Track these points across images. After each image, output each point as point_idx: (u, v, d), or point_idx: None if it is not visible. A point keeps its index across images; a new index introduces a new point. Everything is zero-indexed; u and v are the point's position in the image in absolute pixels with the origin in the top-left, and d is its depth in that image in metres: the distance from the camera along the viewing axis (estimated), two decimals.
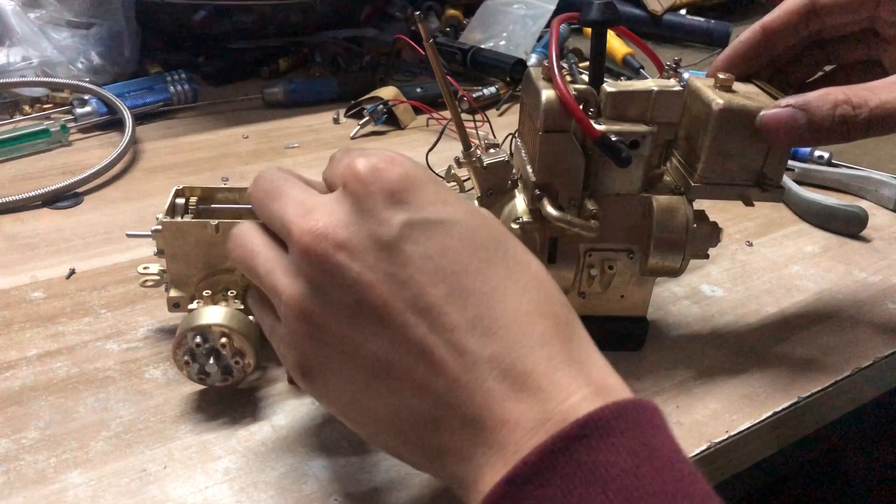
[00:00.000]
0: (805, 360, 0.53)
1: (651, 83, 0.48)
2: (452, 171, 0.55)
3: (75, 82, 0.81)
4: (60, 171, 0.73)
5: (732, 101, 0.48)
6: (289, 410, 0.47)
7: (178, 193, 0.51)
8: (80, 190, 0.69)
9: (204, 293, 0.47)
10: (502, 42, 1.05)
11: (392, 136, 0.85)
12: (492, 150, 0.52)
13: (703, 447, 0.46)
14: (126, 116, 0.77)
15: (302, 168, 0.76)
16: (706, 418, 0.48)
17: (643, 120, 0.47)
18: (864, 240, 0.68)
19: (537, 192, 0.48)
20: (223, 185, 0.52)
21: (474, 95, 0.91)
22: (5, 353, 0.50)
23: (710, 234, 0.52)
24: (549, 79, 0.47)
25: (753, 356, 0.54)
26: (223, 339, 0.44)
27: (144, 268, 0.51)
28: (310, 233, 0.34)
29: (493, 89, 0.93)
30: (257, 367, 0.46)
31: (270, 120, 0.87)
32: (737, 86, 0.50)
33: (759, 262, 0.65)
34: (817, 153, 0.79)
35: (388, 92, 0.87)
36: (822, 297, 0.61)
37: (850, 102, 0.44)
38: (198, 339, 0.44)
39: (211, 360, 0.44)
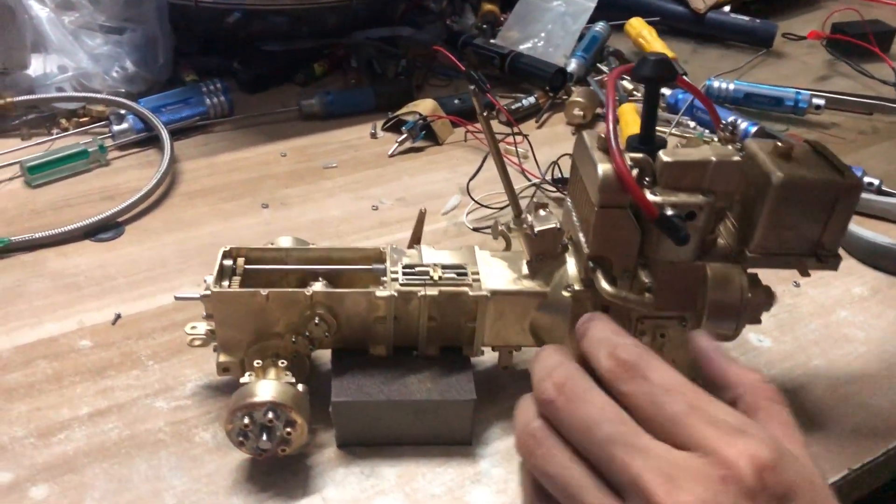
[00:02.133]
0: (854, 425, 0.53)
1: (709, 152, 0.46)
2: (500, 228, 0.54)
3: (112, 97, 0.80)
4: (99, 195, 0.73)
5: (793, 173, 0.46)
6: (339, 481, 0.47)
7: (225, 255, 0.50)
8: (120, 219, 0.69)
9: (255, 363, 0.47)
10: (540, 43, 1.02)
11: (430, 153, 0.83)
12: (541, 213, 0.51)
13: None
14: (164, 137, 0.77)
15: (341, 191, 0.76)
16: None
17: (700, 189, 0.46)
18: None
19: (591, 264, 0.47)
20: (270, 246, 0.52)
21: (512, 107, 0.90)
22: (58, 412, 0.50)
23: (764, 300, 0.51)
24: (605, 149, 0.46)
25: (801, 419, 0.53)
26: (274, 416, 0.44)
27: (192, 327, 0.51)
28: None
29: (531, 99, 0.91)
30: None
31: (307, 134, 0.86)
32: (796, 152, 0.48)
33: (807, 306, 0.64)
34: (867, 179, 0.77)
35: (425, 106, 0.86)
36: (871, 349, 0.60)
37: None
38: (246, 420, 0.44)
39: (264, 437, 0.45)
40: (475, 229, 0.70)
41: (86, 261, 0.64)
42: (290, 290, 0.48)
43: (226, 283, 0.49)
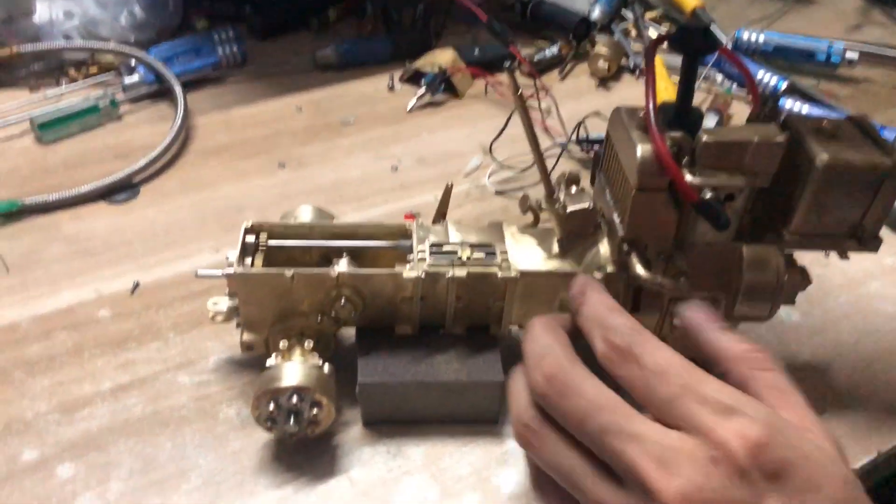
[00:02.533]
0: (884, 405, 0.52)
1: (751, 131, 0.44)
2: (529, 203, 0.52)
3: (121, 48, 0.77)
4: (112, 152, 0.71)
5: (837, 156, 0.44)
6: (365, 461, 0.47)
7: (248, 231, 0.49)
8: (135, 180, 0.67)
9: (280, 344, 0.46)
10: None
11: (450, 108, 0.81)
12: (573, 190, 0.49)
13: None
14: (177, 91, 0.74)
15: (359, 150, 0.74)
16: None
17: (740, 169, 0.45)
18: None
19: (625, 246, 0.46)
20: (293, 222, 0.50)
21: (535, 58, 0.87)
22: (80, 387, 0.50)
23: (799, 281, 0.50)
24: (644, 128, 0.44)
25: (830, 398, 0.53)
26: (299, 399, 0.44)
27: (214, 303, 0.50)
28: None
29: (554, 50, 0.88)
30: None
31: (323, 85, 0.83)
32: (840, 130, 0.46)
33: (836, 278, 0.62)
34: None
35: (445, 57, 0.83)
36: None
37: None
38: (271, 407, 0.43)
39: (291, 421, 0.44)
40: (498, 192, 0.69)
41: (101, 224, 0.63)
42: (315, 270, 0.46)
43: (248, 260, 0.48)
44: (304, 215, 0.54)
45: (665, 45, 0.49)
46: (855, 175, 0.45)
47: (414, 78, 0.84)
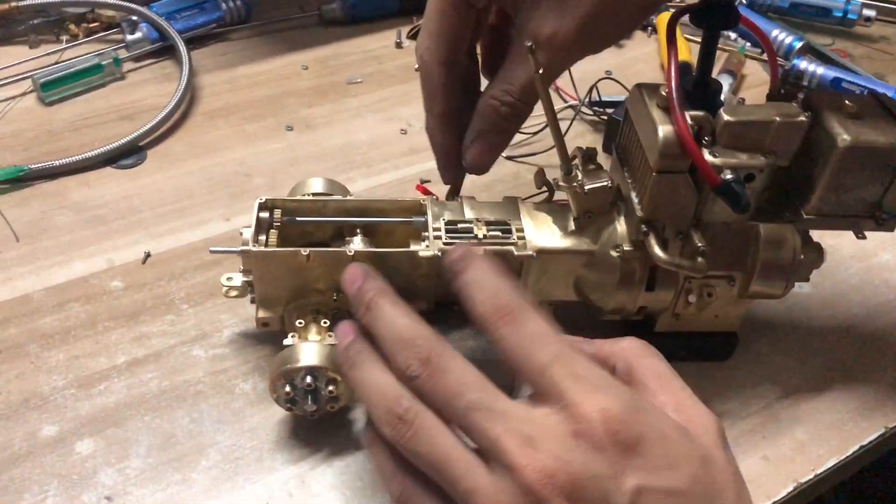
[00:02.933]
0: (892, 381, 0.53)
1: (773, 112, 0.44)
2: (544, 179, 0.51)
3: (123, 3, 0.75)
4: (117, 113, 0.70)
5: (860, 136, 0.44)
6: None
7: (262, 207, 0.48)
8: (142, 143, 0.66)
9: (297, 323, 0.46)
10: None
11: None
12: (591, 167, 0.49)
13: (790, 488, 0.47)
14: (181, 50, 0.73)
15: (367, 111, 0.73)
16: (792, 452, 0.48)
17: (760, 149, 0.44)
18: None
19: (643, 227, 0.46)
20: (305, 197, 0.50)
21: None
22: (96, 361, 0.50)
23: (815, 259, 0.49)
24: (666, 107, 0.44)
25: (839, 372, 0.53)
26: (313, 379, 0.44)
27: (228, 278, 0.50)
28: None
29: None
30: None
31: (328, 42, 0.81)
32: (866, 110, 0.45)
33: (847, 248, 0.62)
34: None
35: None
36: None
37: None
38: (287, 388, 0.43)
39: (309, 400, 0.44)
40: (508, 157, 0.68)
41: (109, 191, 0.62)
42: (331, 249, 0.46)
43: (263, 237, 0.47)
44: (316, 187, 0.53)
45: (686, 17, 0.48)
46: (877, 156, 0.44)
47: None
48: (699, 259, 0.45)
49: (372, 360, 0.37)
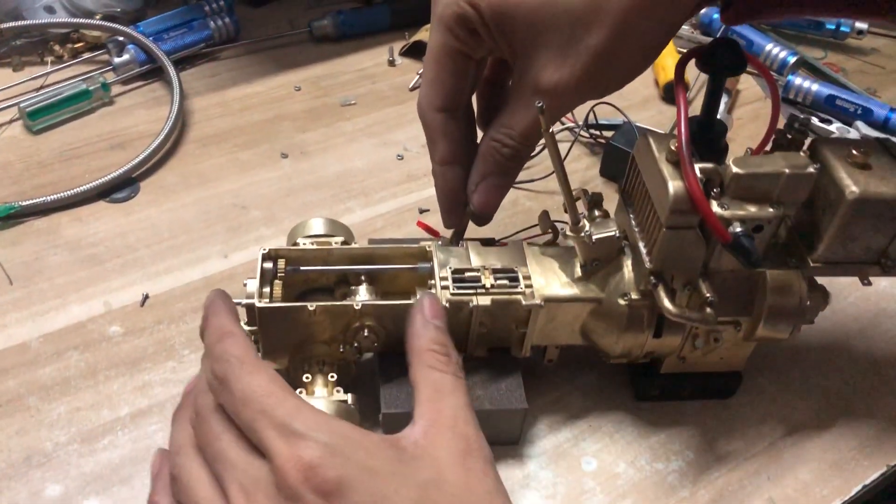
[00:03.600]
0: (892, 415, 0.53)
1: (782, 163, 0.44)
2: (550, 222, 0.51)
3: (109, 24, 0.74)
4: (108, 142, 0.69)
5: (868, 188, 0.44)
6: None
7: (265, 257, 0.48)
8: (135, 173, 0.65)
9: (303, 378, 0.46)
10: None
11: None
12: (598, 215, 0.48)
13: None
14: (171, 74, 0.71)
15: (362, 136, 0.72)
16: (797, 493, 0.49)
17: (768, 199, 0.44)
18: None
19: (652, 279, 0.45)
20: (309, 247, 0.49)
21: None
22: (98, 413, 0.49)
23: (820, 302, 0.50)
24: (675, 161, 0.43)
25: (840, 407, 0.54)
26: None
27: None
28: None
29: None
30: None
31: (320, 61, 0.80)
32: (874, 159, 0.45)
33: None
34: None
35: None
36: None
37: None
38: None
39: None
40: None
41: (103, 227, 0.61)
42: (338, 304, 0.46)
43: (267, 289, 0.47)
44: (316, 228, 0.53)
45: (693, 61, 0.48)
46: (884, 207, 0.44)
47: (414, 50, 0.81)
48: (708, 310, 0.45)
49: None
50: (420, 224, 0.59)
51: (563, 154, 0.69)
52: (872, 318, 0.60)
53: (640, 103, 0.78)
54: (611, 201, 0.48)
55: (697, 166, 0.43)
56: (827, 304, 0.50)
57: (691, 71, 0.46)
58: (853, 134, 0.74)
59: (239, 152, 0.69)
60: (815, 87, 0.77)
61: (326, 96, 0.76)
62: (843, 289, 0.62)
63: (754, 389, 0.54)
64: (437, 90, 0.47)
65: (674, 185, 0.42)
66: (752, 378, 0.54)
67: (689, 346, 0.50)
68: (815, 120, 0.76)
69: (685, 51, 0.47)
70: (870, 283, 0.48)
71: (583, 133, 0.71)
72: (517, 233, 0.61)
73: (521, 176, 0.67)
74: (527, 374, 0.50)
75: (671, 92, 0.78)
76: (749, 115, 0.78)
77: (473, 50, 0.46)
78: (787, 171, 0.43)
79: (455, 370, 0.41)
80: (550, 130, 0.41)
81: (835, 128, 0.75)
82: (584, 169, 0.70)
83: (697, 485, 0.49)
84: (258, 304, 0.45)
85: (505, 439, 0.50)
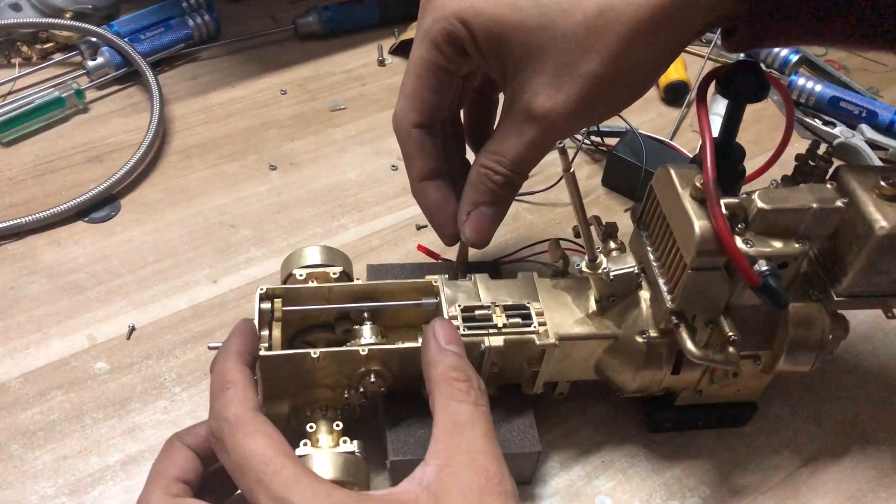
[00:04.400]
0: None
1: (809, 197, 0.42)
2: (561, 253, 0.49)
3: (81, 25, 0.69)
4: (84, 154, 0.65)
5: None
6: None
7: (263, 297, 0.45)
8: (114, 190, 0.61)
9: (307, 427, 0.43)
10: None
11: None
12: (614, 248, 0.46)
13: None
14: (150, 80, 0.67)
15: (353, 144, 0.69)
16: None
17: (794, 234, 0.42)
18: None
19: (674, 319, 0.43)
20: (309, 285, 0.46)
21: None
22: (86, 461, 0.47)
23: (842, 334, 0.48)
24: (701, 199, 0.41)
25: (857, 435, 0.52)
26: None
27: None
28: None
29: None
30: None
31: (306, 60, 0.76)
32: None
33: None
34: None
35: None
36: None
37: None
38: None
39: None
40: None
41: (83, 250, 0.58)
42: (342, 350, 0.43)
43: (266, 332, 0.44)
44: (312, 258, 0.50)
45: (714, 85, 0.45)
46: None
47: (404, 48, 0.77)
48: (731, 349, 0.43)
49: None
50: (420, 248, 0.56)
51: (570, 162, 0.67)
52: (883, 336, 0.58)
53: (640, 106, 0.73)
54: (615, 214, 0.46)
55: (722, 201, 0.41)
56: (847, 334, 0.48)
57: (691, 70, 0.44)
58: (857, 138, 0.72)
59: (225, 164, 0.65)
60: (818, 87, 0.75)
61: (314, 100, 0.72)
62: None
63: (769, 417, 0.53)
64: (414, 105, 0.45)
65: (700, 226, 0.40)
66: (766, 405, 0.53)
67: (707, 380, 0.48)
68: (818, 122, 0.74)
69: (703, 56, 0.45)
70: (894, 316, 0.47)
71: (585, 140, 0.69)
72: (520, 249, 0.58)
73: (524, 186, 0.65)
74: (537, 407, 0.48)
75: (672, 93, 0.75)
76: (751, 116, 0.76)
77: (459, 68, 0.44)
78: (814, 205, 0.41)
79: (476, 398, 0.39)
80: (571, 170, 0.39)
81: (838, 131, 0.73)
82: (585, 178, 0.67)
83: None
84: (260, 353, 0.42)
85: (517, 480, 0.47)
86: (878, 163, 0.70)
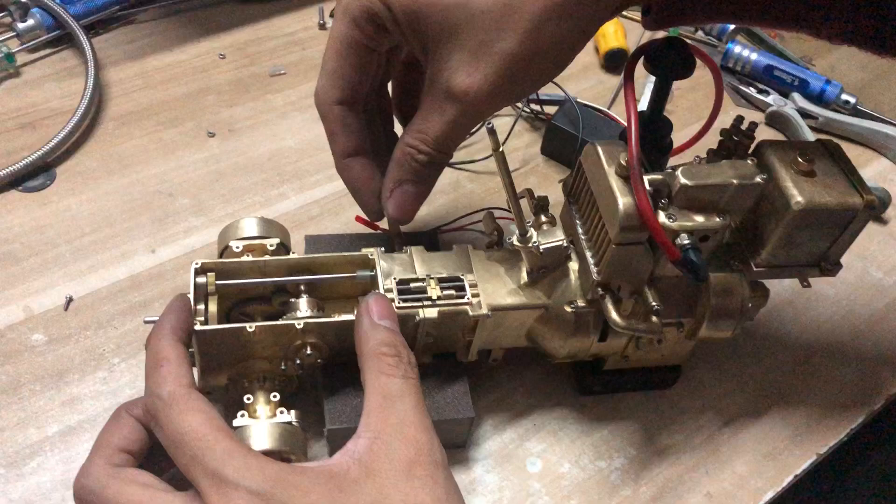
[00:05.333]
0: (821, 403, 0.55)
1: (730, 173, 0.43)
2: (495, 225, 0.50)
3: None
4: (15, 121, 0.63)
5: (813, 198, 0.44)
6: None
7: (198, 272, 0.45)
8: (49, 158, 0.60)
9: (245, 398, 0.44)
10: None
11: None
12: (545, 221, 0.47)
13: None
14: (83, 42, 0.66)
15: (294, 110, 0.69)
16: (733, 488, 0.50)
17: (715, 208, 0.44)
18: (882, 221, 0.68)
19: (600, 290, 0.45)
20: (245, 259, 0.47)
21: None
22: (24, 432, 0.47)
23: (762, 301, 0.50)
24: (625, 176, 0.42)
25: (775, 396, 0.55)
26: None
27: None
28: None
29: None
30: None
31: (246, 24, 0.75)
32: (818, 165, 0.45)
33: None
34: (844, 97, 0.75)
35: None
36: (840, 309, 0.61)
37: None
38: None
39: None
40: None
41: (18, 220, 0.57)
42: (278, 323, 0.44)
43: (202, 306, 0.44)
44: (249, 229, 0.50)
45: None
46: (828, 215, 0.45)
47: None
48: (654, 319, 0.45)
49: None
50: (358, 219, 0.57)
51: (506, 133, 0.68)
52: (805, 302, 0.61)
53: (580, 72, 0.76)
54: (552, 182, 0.47)
55: (646, 178, 0.42)
56: (766, 301, 0.51)
57: (631, 37, 0.45)
58: (789, 106, 0.74)
59: (162, 131, 0.65)
60: (753, 56, 0.77)
61: (253, 65, 0.72)
62: None
63: (693, 380, 0.55)
64: (336, 82, 0.45)
65: (624, 203, 0.41)
66: (691, 369, 0.55)
67: (633, 346, 0.50)
68: (752, 90, 0.76)
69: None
70: (809, 286, 0.49)
71: (524, 109, 0.69)
72: (459, 218, 0.59)
73: (461, 156, 0.66)
74: (471, 373, 0.50)
75: (612, 60, 0.76)
76: (688, 84, 0.77)
77: (379, 45, 0.44)
78: (735, 181, 0.43)
79: (406, 371, 0.40)
80: (500, 150, 0.40)
81: (772, 99, 0.75)
82: (525, 146, 0.68)
83: (639, 482, 0.50)
84: (196, 328, 0.43)
85: (452, 444, 0.49)
86: (808, 131, 0.72)
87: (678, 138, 0.52)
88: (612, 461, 0.50)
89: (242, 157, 0.64)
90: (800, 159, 0.45)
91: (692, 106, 0.74)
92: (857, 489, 0.64)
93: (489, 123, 0.39)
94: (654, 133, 0.49)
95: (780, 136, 0.74)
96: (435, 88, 0.42)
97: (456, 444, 0.49)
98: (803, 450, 0.53)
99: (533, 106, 0.69)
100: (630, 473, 0.50)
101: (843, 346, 0.59)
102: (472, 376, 0.49)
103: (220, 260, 0.46)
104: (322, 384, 0.47)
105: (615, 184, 0.42)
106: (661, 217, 0.43)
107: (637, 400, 0.54)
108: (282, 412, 0.44)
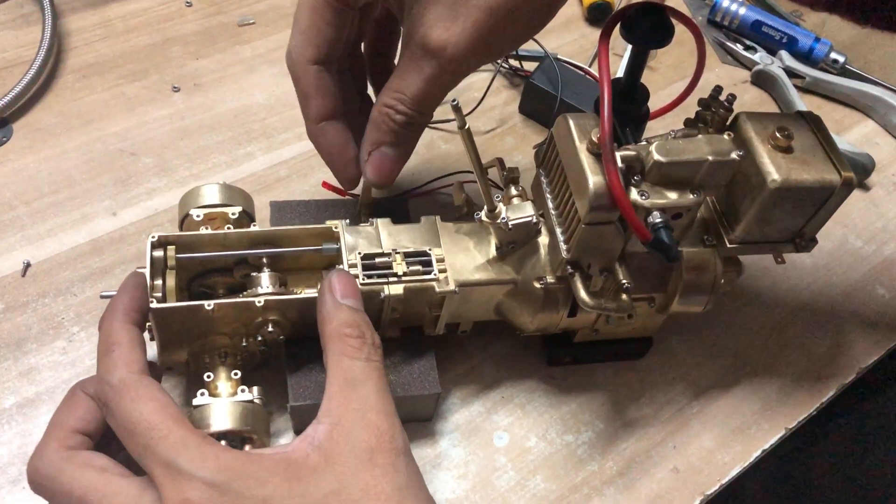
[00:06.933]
0: (793, 376, 0.55)
1: (705, 149, 0.42)
2: (464, 196, 0.48)
3: None
4: None
5: (790, 176, 0.42)
6: None
7: (155, 245, 0.44)
8: (5, 114, 0.58)
9: (205, 376, 0.43)
10: None
11: None
12: (514, 196, 0.46)
13: (698, 502, 0.49)
14: None
15: (262, 63, 0.66)
16: (700, 462, 0.50)
17: (689, 184, 0.42)
18: (865, 188, 0.66)
19: (569, 268, 0.44)
20: (204, 231, 0.45)
21: None
22: None
23: (734, 276, 0.49)
24: (597, 153, 0.41)
25: (745, 370, 0.55)
26: (228, 442, 0.41)
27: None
28: None
29: None
30: None
31: None
32: (796, 140, 0.44)
33: None
34: (833, 55, 0.72)
35: None
36: (816, 279, 0.60)
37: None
38: None
39: None
40: None
41: None
42: (238, 300, 0.42)
43: (159, 281, 0.43)
44: (210, 196, 0.48)
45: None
46: (804, 193, 0.43)
47: None
48: (623, 296, 0.44)
49: None
50: (325, 185, 0.55)
51: (484, 89, 0.66)
52: (782, 272, 0.60)
53: (562, 25, 0.73)
54: (529, 143, 0.44)
55: (618, 155, 0.41)
56: (741, 276, 0.50)
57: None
58: (776, 65, 0.72)
59: (125, 85, 0.62)
60: (742, 10, 0.74)
61: (221, 14, 0.69)
62: None
63: (665, 352, 0.55)
64: (310, 40, 0.43)
65: (595, 183, 0.40)
66: (663, 340, 0.55)
67: (603, 321, 0.49)
68: (739, 47, 0.73)
69: None
70: (783, 262, 0.48)
71: (503, 65, 0.67)
72: (430, 182, 0.58)
73: (437, 115, 0.64)
74: (439, 345, 0.49)
75: (596, 13, 0.74)
76: (674, 57, 0.74)
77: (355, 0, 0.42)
78: (710, 157, 0.41)
79: (369, 353, 0.39)
80: (466, 126, 0.38)
81: (758, 57, 0.72)
82: (503, 104, 0.66)
83: (606, 457, 0.50)
84: (152, 306, 0.41)
85: (418, 418, 0.49)
86: (794, 92, 0.70)
87: (661, 96, 0.50)
88: (579, 435, 0.50)
89: (208, 114, 0.61)
90: (777, 134, 0.43)
91: (676, 63, 0.72)
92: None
93: (454, 101, 0.37)
94: (629, 103, 0.48)
95: (765, 96, 0.72)
96: (411, 45, 0.40)
97: (423, 419, 0.49)
98: (772, 424, 0.53)
99: (512, 62, 0.67)
100: (597, 448, 0.50)
101: (818, 316, 0.58)
102: (439, 349, 0.49)
103: (179, 233, 0.45)
104: (286, 360, 0.46)
105: (586, 161, 0.41)
106: (634, 194, 0.41)
107: (607, 373, 0.53)
108: (243, 390, 0.43)
